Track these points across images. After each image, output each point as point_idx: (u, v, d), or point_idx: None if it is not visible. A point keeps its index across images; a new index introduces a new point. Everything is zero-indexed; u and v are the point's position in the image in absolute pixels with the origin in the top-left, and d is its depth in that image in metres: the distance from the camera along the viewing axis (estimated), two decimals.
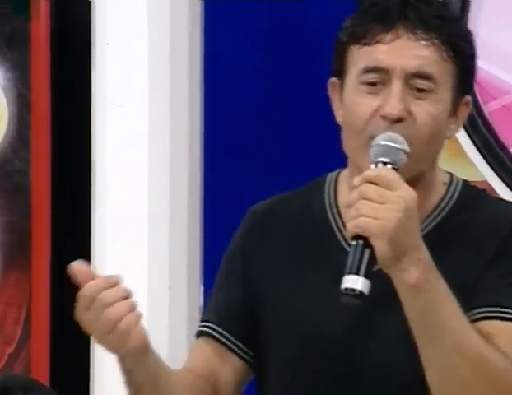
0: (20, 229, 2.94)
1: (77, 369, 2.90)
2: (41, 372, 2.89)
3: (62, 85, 2.92)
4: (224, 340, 1.39)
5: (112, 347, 1.24)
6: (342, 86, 1.37)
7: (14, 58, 2.90)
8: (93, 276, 1.20)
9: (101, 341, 1.24)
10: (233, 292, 1.43)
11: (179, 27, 2.81)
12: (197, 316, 2.83)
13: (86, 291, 1.19)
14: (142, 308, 2.72)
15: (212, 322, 1.40)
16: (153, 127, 2.80)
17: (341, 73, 1.37)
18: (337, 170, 1.47)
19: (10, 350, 2.90)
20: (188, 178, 2.83)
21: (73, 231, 2.94)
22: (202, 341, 1.42)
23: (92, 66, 2.82)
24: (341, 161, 2.73)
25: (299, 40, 2.86)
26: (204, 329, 1.42)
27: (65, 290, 2.93)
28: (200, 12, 2.82)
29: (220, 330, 1.39)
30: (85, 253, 2.85)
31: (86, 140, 2.86)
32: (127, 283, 2.75)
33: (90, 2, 2.83)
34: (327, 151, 2.84)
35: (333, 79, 1.40)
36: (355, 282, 1.16)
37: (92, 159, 2.83)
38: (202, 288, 2.88)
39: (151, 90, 2.80)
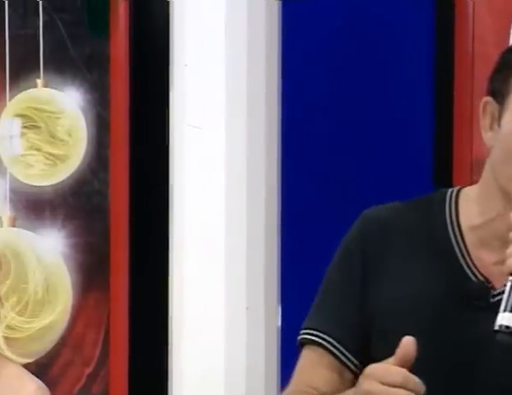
0: (99, 249, 2.96)
1: (156, 389, 2.89)
2: (120, 392, 2.90)
3: (140, 107, 2.94)
4: (338, 353, 1.33)
5: None
6: (500, 110, 1.31)
7: (93, 79, 2.93)
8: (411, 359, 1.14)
9: None
10: (349, 299, 1.37)
11: (257, 28, 2.78)
12: (275, 337, 2.80)
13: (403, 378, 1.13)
14: (220, 329, 2.75)
15: (324, 332, 1.34)
16: (230, 148, 2.79)
17: (501, 96, 1.31)
18: (456, 188, 1.41)
19: (89, 370, 2.92)
20: (265, 198, 2.80)
21: (151, 251, 2.95)
22: (314, 352, 1.35)
23: (170, 87, 2.83)
24: (421, 174, 2.69)
25: (381, 40, 2.80)
26: (315, 339, 1.35)
27: (143, 310, 2.95)
28: (278, 13, 2.78)
29: (332, 341, 1.33)
30: (162, 274, 2.86)
31: (163, 161, 2.86)
32: (204, 304, 2.77)
33: (168, 21, 2.83)
34: (409, 158, 2.79)
35: (489, 99, 1.34)
36: (510, 320, 1.12)
37: (170, 180, 2.84)
38: (280, 308, 2.85)
39: (229, 111, 2.79)
